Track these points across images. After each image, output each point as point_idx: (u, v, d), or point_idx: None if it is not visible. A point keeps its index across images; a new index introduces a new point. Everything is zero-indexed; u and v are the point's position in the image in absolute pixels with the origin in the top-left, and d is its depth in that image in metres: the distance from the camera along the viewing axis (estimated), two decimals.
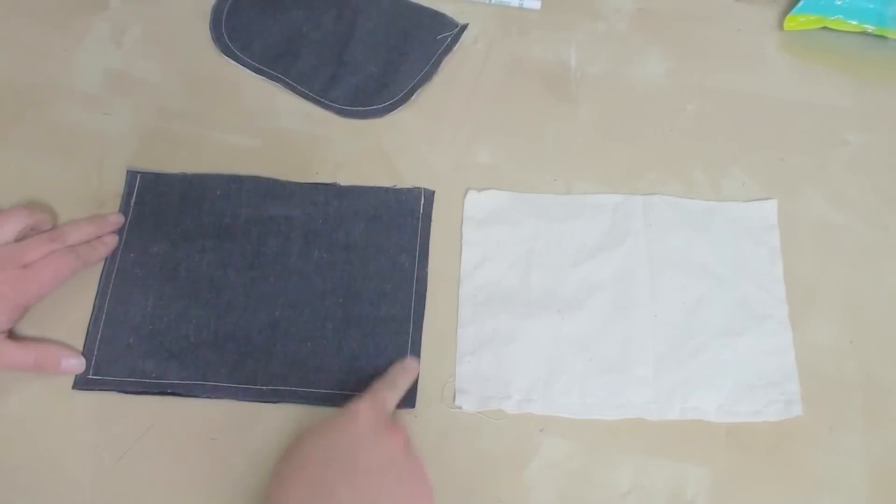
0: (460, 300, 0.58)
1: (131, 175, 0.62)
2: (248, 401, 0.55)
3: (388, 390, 0.53)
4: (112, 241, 0.59)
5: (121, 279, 0.58)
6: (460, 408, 0.55)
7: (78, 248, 0.57)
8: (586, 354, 0.57)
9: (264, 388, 0.55)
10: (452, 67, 0.68)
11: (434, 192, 0.62)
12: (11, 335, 0.55)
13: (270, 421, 0.55)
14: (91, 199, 0.62)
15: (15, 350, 0.54)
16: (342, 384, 0.55)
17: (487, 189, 0.62)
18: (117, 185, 0.62)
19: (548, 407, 0.55)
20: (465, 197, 0.62)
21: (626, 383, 0.56)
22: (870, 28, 0.68)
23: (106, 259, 0.59)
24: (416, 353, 0.57)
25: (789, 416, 0.54)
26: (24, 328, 0.57)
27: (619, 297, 0.58)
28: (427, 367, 0.56)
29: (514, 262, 0.60)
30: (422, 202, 0.62)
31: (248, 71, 0.67)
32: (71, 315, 0.57)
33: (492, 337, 0.57)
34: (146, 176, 0.62)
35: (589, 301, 0.58)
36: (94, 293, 0.58)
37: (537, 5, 0.71)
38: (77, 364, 0.55)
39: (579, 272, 0.59)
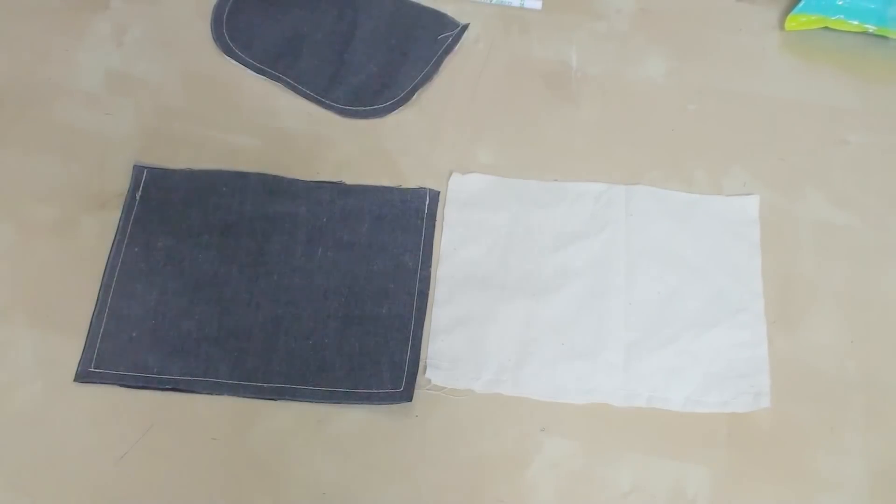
0: (438, 280, 0.59)
1: (138, 169, 0.62)
2: (249, 397, 0.55)
3: None
4: None
5: (124, 273, 0.58)
6: (430, 381, 0.55)
7: None
8: (558, 339, 0.57)
9: (265, 385, 0.55)
10: (453, 67, 0.68)
11: (439, 192, 0.62)
12: None
13: (271, 421, 0.55)
14: (92, 199, 0.62)
15: None
16: (343, 382, 0.55)
17: (471, 172, 0.63)
18: (119, 184, 0.62)
19: (516, 388, 0.55)
20: (448, 179, 0.62)
21: (595, 369, 0.56)
22: (871, 28, 0.68)
23: (110, 252, 0.59)
24: (416, 351, 0.57)
25: (757, 407, 0.54)
26: (28, 320, 0.57)
27: (595, 284, 0.59)
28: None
29: (493, 245, 0.60)
30: (426, 202, 0.62)
31: (249, 71, 0.67)
32: (74, 308, 0.57)
33: (466, 317, 0.58)
34: (153, 171, 0.62)
35: (565, 287, 0.59)
36: (98, 286, 0.58)
37: (538, 5, 0.71)
38: None
39: (557, 258, 0.60)
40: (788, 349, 0.56)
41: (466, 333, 0.57)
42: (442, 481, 0.53)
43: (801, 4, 0.67)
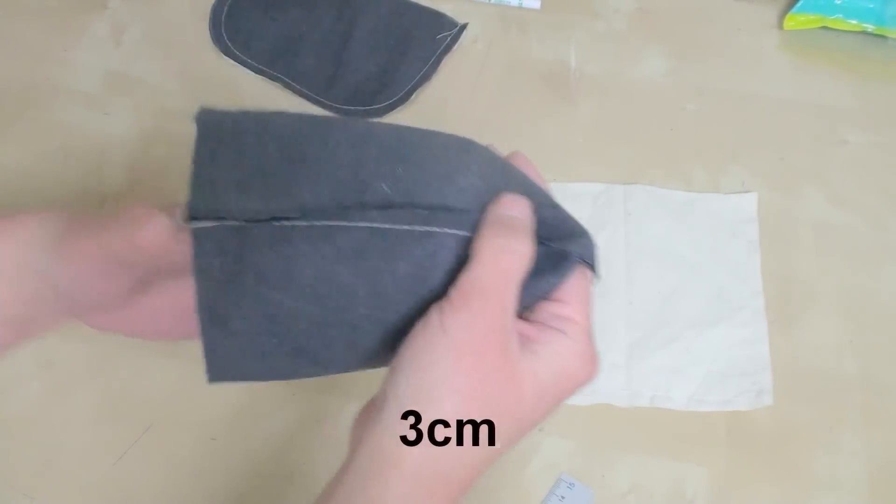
0: None
1: None
2: None
3: None
4: None
5: None
6: None
7: None
8: None
9: None
10: (452, 67, 0.68)
11: None
12: None
13: (270, 421, 0.55)
14: (91, 199, 0.62)
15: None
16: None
17: None
18: (117, 184, 0.62)
19: None
20: None
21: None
22: (869, 27, 0.68)
23: None
24: None
25: (759, 405, 0.54)
26: None
27: (596, 284, 0.59)
28: None
29: None
30: None
31: (248, 71, 0.67)
32: None
33: None
34: None
35: None
36: None
37: (537, 5, 0.71)
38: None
39: None
40: (787, 348, 0.56)
41: None
42: None
43: (799, 4, 0.67)
